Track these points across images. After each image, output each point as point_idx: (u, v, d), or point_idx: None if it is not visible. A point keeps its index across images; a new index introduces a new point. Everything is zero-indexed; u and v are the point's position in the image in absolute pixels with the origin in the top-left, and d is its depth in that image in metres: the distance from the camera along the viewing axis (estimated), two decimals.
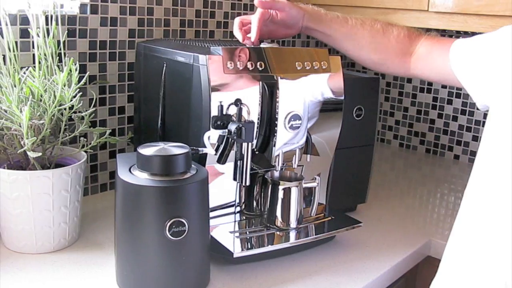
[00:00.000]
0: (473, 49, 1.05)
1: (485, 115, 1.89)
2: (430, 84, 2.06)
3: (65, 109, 1.07)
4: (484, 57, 1.01)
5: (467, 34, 1.90)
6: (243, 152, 1.04)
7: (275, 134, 1.08)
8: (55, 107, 1.04)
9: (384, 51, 1.20)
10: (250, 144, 1.04)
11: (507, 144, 0.88)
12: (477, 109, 1.92)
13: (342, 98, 1.18)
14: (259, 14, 1.14)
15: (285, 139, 1.09)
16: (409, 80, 2.11)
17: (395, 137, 2.19)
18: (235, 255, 1.03)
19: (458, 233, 0.98)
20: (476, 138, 1.97)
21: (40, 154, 1.03)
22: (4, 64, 1.05)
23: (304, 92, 1.10)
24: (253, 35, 1.13)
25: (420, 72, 1.20)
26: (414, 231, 1.35)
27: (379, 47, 1.20)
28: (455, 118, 2.01)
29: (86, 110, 1.12)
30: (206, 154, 1.04)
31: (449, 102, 2.02)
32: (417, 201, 1.60)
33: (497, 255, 0.89)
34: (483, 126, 1.93)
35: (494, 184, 0.91)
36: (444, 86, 2.02)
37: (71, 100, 1.06)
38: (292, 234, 1.14)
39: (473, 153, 1.98)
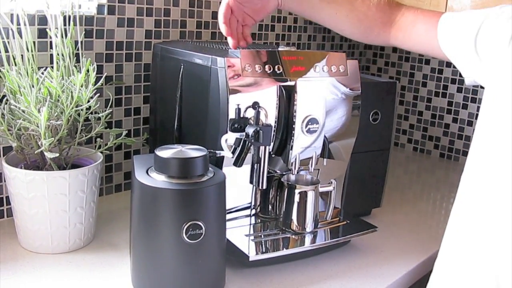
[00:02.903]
0: (463, 25, 1.01)
1: None
2: (445, 88, 2.04)
3: (82, 109, 1.07)
4: (475, 33, 0.97)
5: None
6: (260, 156, 1.04)
7: (292, 137, 1.07)
8: (73, 108, 1.04)
9: (364, 19, 1.15)
10: (267, 147, 1.03)
11: (504, 132, 0.87)
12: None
13: (359, 102, 1.17)
14: (222, 17, 1.13)
15: (302, 142, 1.09)
16: (424, 84, 2.10)
17: (409, 141, 2.18)
18: (251, 259, 1.02)
19: (451, 228, 0.98)
20: None
21: (57, 154, 1.03)
22: (23, 64, 1.05)
23: (321, 95, 1.10)
24: (230, 42, 1.14)
25: (401, 43, 1.16)
26: (428, 236, 1.34)
27: (359, 14, 1.15)
28: (470, 123, 2.00)
29: (102, 111, 1.12)
30: (223, 157, 1.04)
31: (464, 106, 2.01)
32: (430, 206, 1.59)
33: (488, 248, 0.89)
34: None
35: (487, 175, 0.90)
36: (459, 91, 2.01)
37: (88, 101, 1.06)
38: (308, 238, 1.13)
39: None
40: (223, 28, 1.13)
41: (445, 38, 1.04)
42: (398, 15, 1.13)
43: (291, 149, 1.08)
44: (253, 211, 1.16)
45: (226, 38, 1.15)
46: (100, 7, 1.31)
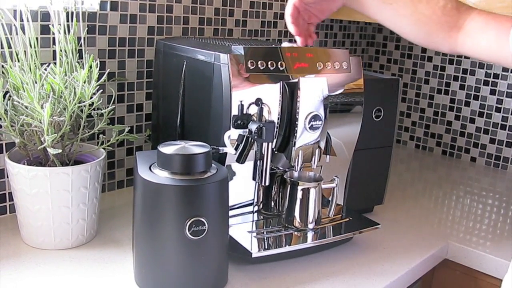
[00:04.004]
0: None
1: (503, 118, 1.89)
2: (447, 85, 2.04)
3: (85, 106, 1.07)
4: None
5: None
6: (263, 152, 1.04)
7: (295, 134, 1.07)
8: (75, 104, 1.04)
9: (427, 22, 1.09)
10: (270, 144, 1.03)
11: None
12: (495, 111, 1.93)
13: (362, 99, 1.17)
14: (289, 17, 1.13)
15: (305, 139, 1.09)
16: (426, 81, 2.10)
17: (411, 138, 2.18)
18: (253, 255, 1.02)
19: None
20: (493, 141, 1.95)
21: (60, 151, 1.03)
22: (26, 60, 1.05)
23: (324, 92, 1.10)
24: (298, 40, 1.14)
25: (469, 50, 1.08)
26: (430, 234, 1.34)
27: (422, 18, 1.09)
28: (472, 120, 2.00)
29: (105, 107, 1.12)
30: (225, 153, 1.04)
31: (467, 104, 2.00)
32: (432, 203, 1.59)
33: None
34: (500, 128, 1.92)
35: None
36: (461, 88, 2.01)
37: (91, 97, 1.06)
38: (310, 235, 1.13)
39: (490, 156, 1.97)
40: (291, 28, 1.14)
41: None
42: (468, 19, 1.06)
43: (294, 145, 1.08)
44: (256, 208, 1.16)
45: (228, 35, 1.15)
46: (102, 3, 1.31)
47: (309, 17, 1.16)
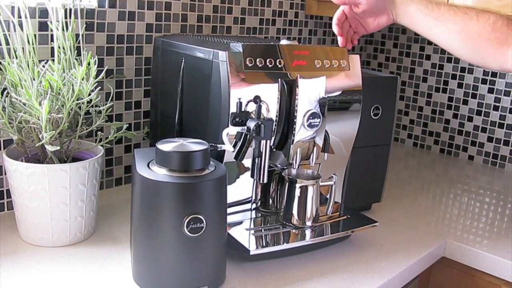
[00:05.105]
0: None
1: (501, 116, 1.89)
2: (445, 84, 2.04)
3: (83, 103, 1.07)
4: None
5: None
6: (261, 150, 1.03)
7: (294, 132, 1.07)
8: (73, 101, 1.04)
9: (477, 38, 1.09)
10: (268, 141, 1.03)
11: None
12: (493, 109, 1.94)
13: (361, 97, 1.17)
14: (335, 19, 1.18)
15: (303, 137, 1.09)
16: (425, 80, 2.10)
17: (409, 136, 2.19)
18: (251, 253, 1.02)
19: None
20: (491, 139, 1.96)
21: (58, 147, 1.03)
22: (24, 56, 1.05)
23: (322, 90, 1.10)
24: (339, 40, 1.19)
25: None
26: (428, 232, 1.34)
27: (472, 34, 1.10)
28: (470, 119, 2.00)
29: (103, 104, 1.12)
30: (224, 150, 1.04)
31: (465, 102, 2.00)
32: (430, 201, 1.59)
33: None
34: (498, 127, 1.93)
35: None
36: (459, 86, 2.01)
37: (89, 94, 1.06)
38: (308, 233, 1.14)
39: (488, 154, 1.97)
40: (334, 29, 1.20)
41: None
42: None
43: (292, 143, 1.08)
44: (254, 205, 1.16)
45: (226, 32, 1.15)
46: (101, 0, 1.31)
47: (356, 26, 1.21)
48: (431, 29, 1.14)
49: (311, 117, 1.07)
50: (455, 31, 1.11)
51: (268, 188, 1.17)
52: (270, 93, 1.05)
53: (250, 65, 1.02)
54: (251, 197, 1.14)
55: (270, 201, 1.18)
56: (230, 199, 1.07)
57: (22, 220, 1.09)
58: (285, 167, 1.15)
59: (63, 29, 1.09)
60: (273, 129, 1.05)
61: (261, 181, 1.06)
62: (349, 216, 1.23)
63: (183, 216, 0.89)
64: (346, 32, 1.22)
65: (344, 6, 1.19)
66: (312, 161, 1.13)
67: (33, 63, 1.06)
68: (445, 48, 1.17)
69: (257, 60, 1.03)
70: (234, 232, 1.07)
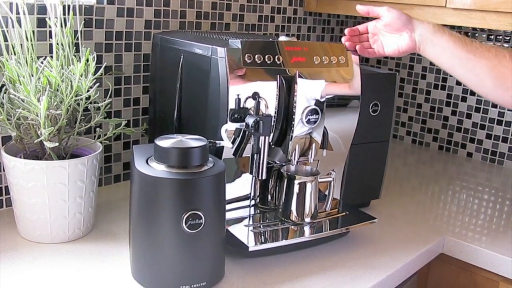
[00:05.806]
0: None
1: (499, 113, 1.89)
2: (444, 80, 2.04)
3: (81, 99, 1.07)
4: None
5: (484, 31, 1.88)
6: (259, 146, 1.04)
7: (292, 128, 1.07)
8: (72, 97, 1.04)
9: (509, 76, 1.08)
10: (267, 137, 1.03)
11: None
12: (492, 106, 1.94)
13: (359, 93, 1.17)
14: (349, 29, 1.18)
15: (302, 133, 1.09)
16: (423, 76, 2.10)
17: (408, 133, 2.19)
18: (250, 249, 1.03)
19: None
20: (489, 136, 1.96)
21: (56, 144, 1.03)
22: (22, 53, 1.05)
23: (321, 86, 1.10)
24: (347, 44, 1.19)
25: None
26: (426, 228, 1.34)
27: (505, 71, 1.08)
28: (469, 116, 2.00)
29: (101, 101, 1.12)
30: (222, 147, 1.04)
31: (464, 99, 2.00)
32: (428, 198, 1.59)
33: None
34: (497, 124, 1.93)
35: None
36: (458, 83, 2.01)
37: (88, 91, 1.06)
38: (307, 229, 1.14)
39: (486, 151, 1.97)
40: (343, 38, 1.19)
41: None
42: None
43: (291, 139, 1.08)
44: (253, 202, 1.16)
45: (225, 29, 1.15)
46: None
47: (374, 41, 1.20)
48: (461, 63, 1.12)
49: (309, 114, 1.07)
50: (487, 67, 1.09)
51: (267, 184, 1.17)
52: (268, 89, 1.04)
53: (248, 61, 1.02)
54: (250, 193, 1.14)
55: (269, 197, 1.18)
56: (228, 195, 1.07)
57: (21, 217, 1.09)
58: (283, 164, 1.15)
59: (61, 26, 1.09)
60: (272, 126, 1.05)
61: (259, 178, 1.07)
62: (347, 213, 1.23)
63: (181, 212, 0.89)
64: (359, 41, 1.20)
65: (370, 23, 1.18)
66: (311, 157, 1.13)
67: (32, 59, 1.06)
68: (471, 85, 1.14)
69: (256, 56, 1.03)
70: (233, 228, 1.07)
